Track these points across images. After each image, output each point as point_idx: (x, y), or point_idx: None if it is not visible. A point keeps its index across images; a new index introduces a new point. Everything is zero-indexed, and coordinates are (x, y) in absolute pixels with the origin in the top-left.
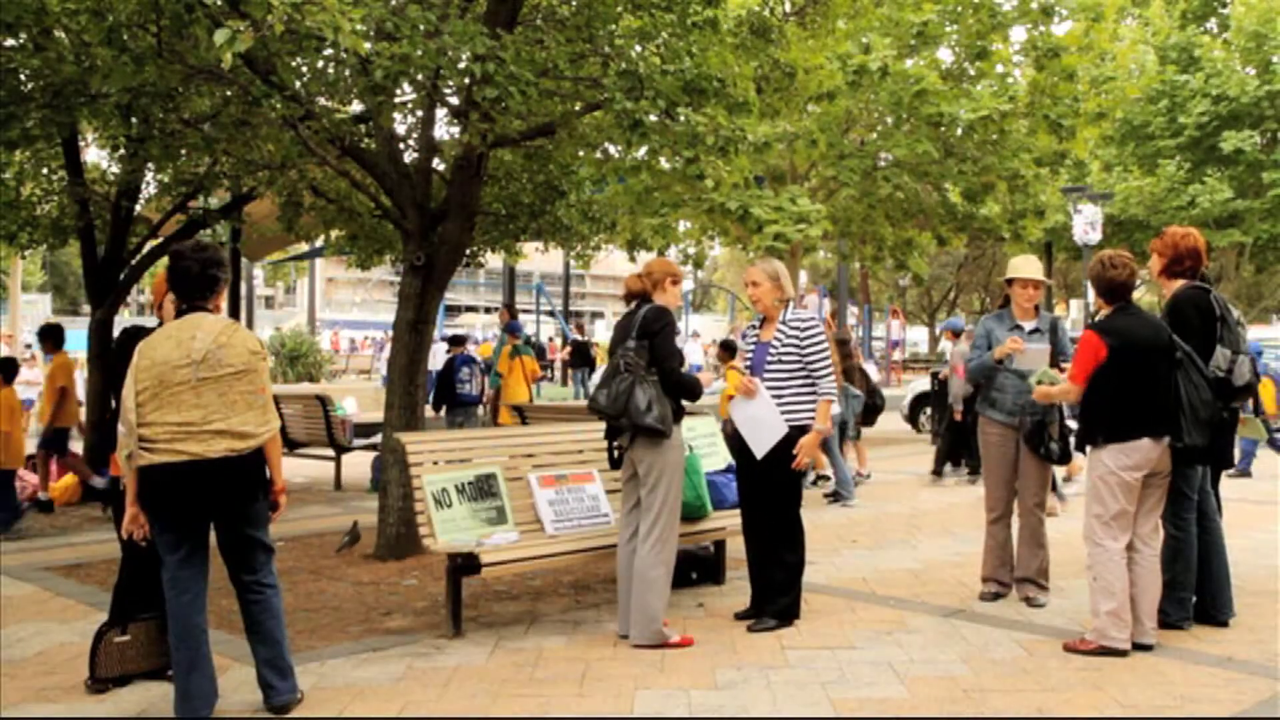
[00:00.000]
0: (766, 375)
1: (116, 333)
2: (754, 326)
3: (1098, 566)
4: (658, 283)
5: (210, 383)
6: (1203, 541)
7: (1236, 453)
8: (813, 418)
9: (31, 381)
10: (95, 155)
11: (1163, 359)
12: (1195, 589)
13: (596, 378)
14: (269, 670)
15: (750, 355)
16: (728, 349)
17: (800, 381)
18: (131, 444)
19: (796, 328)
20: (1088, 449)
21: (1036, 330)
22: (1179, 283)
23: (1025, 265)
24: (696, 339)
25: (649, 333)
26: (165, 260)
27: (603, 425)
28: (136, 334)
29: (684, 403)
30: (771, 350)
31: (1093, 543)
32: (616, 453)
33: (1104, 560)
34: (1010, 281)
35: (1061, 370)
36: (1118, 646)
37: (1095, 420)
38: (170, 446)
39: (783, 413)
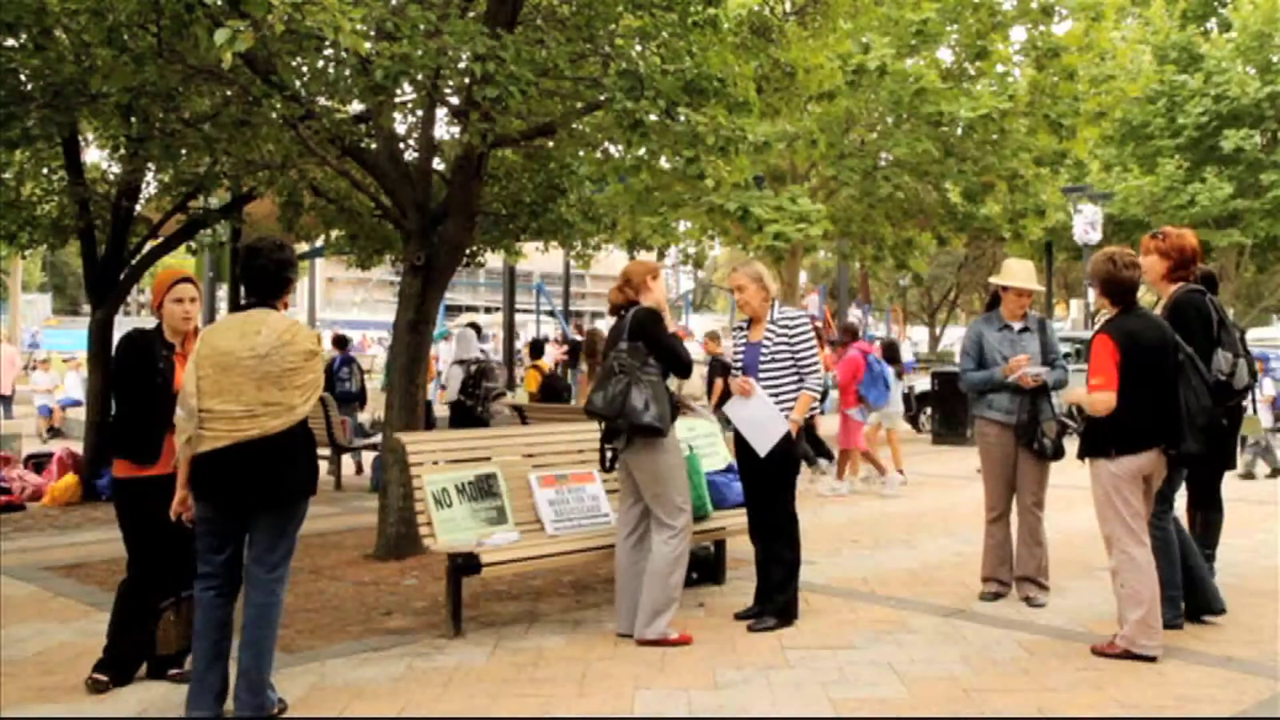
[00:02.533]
0: (761, 374)
1: (118, 334)
2: (741, 328)
3: (1124, 574)
4: (639, 287)
5: (272, 377)
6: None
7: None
8: (813, 412)
9: (41, 389)
10: (95, 155)
11: (1168, 362)
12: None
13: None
14: (241, 680)
15: (741, 356)
16: (713, 337)
17: (795, 377)
18: (191, 427)
19: (786, 325)
20: (1088, 460)
21: (1026, 330)
22: (1175, 285)
23: (1020, 271)
24: (692, 338)
25: (642, 333)
26: (165, 260)
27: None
28: (139, 338)
29: (684, 403)
30: (764, 349)
31: (1119, 550)
32: (610, 455)
33: (1131, 568)
34: (1004, 286)
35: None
36: (1147, 654)
37: (1104, 430)
38: (231, 430)
39: (782, 409)
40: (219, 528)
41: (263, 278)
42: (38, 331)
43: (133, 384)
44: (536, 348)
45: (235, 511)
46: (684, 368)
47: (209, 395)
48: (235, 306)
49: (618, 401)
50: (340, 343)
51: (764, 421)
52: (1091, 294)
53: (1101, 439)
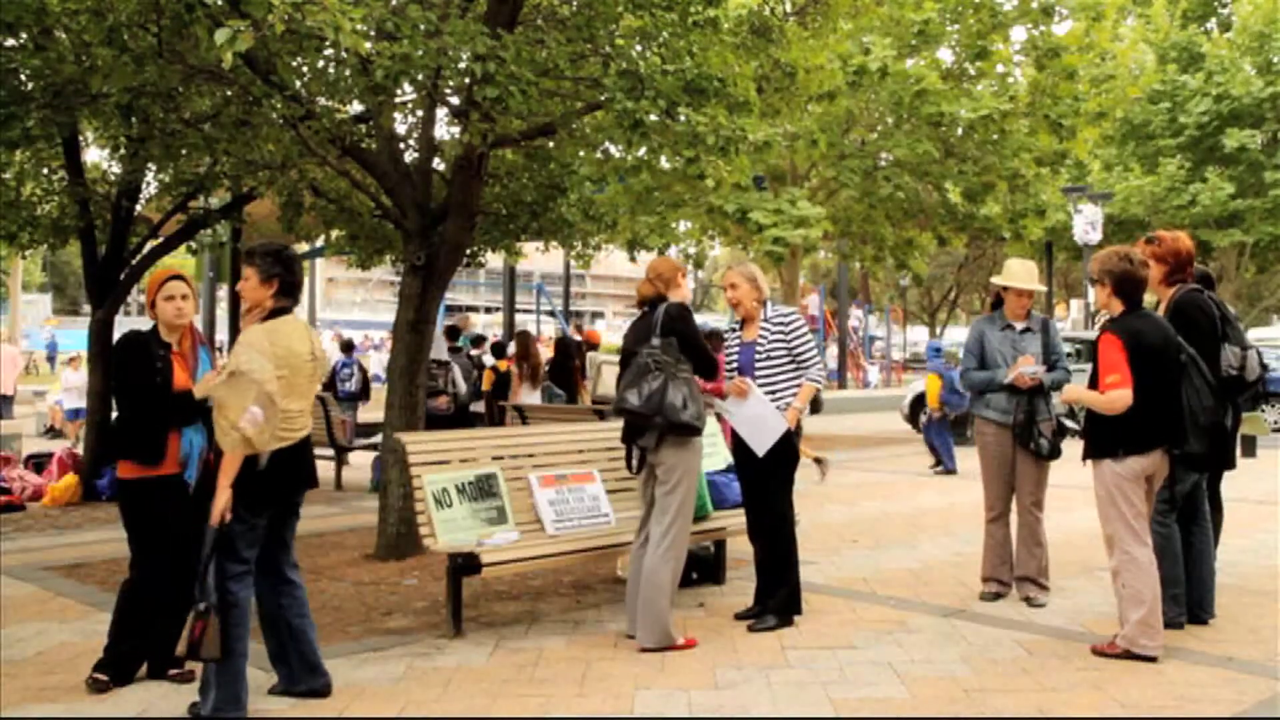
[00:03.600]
0: (757, 374)
1: (118, 334)
2: (734, 330)
3: (1126, 574)
4: (669, 281)
5: (316, 379)
6: (1195, 542)
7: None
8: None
9: (72, 386)
10: (95, 155)
11: (1172, 363)
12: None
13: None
14: (313, 656)
15: (736, 357)
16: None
17: (790, 375)
18: (274, 426)
19: (780, 323)
20: (1091, 460)
21: (1028, 330)
22: (1174, 287)
23: (1021, 272)
24: None
25: (675, 330)
26: (165, 261)
27: (603, 425)
28: (134, 340)
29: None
30: (759, 349)
31: (1120, 550)
32: (638, 454)
33: (1133, 568)
34: (1005, 286)
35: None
36: (1147, 654)
37: (1111, 431)
38: (292, 430)
39: (778, 407)
40: (260, 526)
41: (298, 285)
42: (49, 332)
43: (134, 386)
44: (496, 349)
45: (280, 508)
46: (711, 367)
47: (283, 396)
48: (235, 306)
49: (655, 399)
50: (347, 347)
51: (761, 421)
52: (1092, 294)
53: (1108, 439)
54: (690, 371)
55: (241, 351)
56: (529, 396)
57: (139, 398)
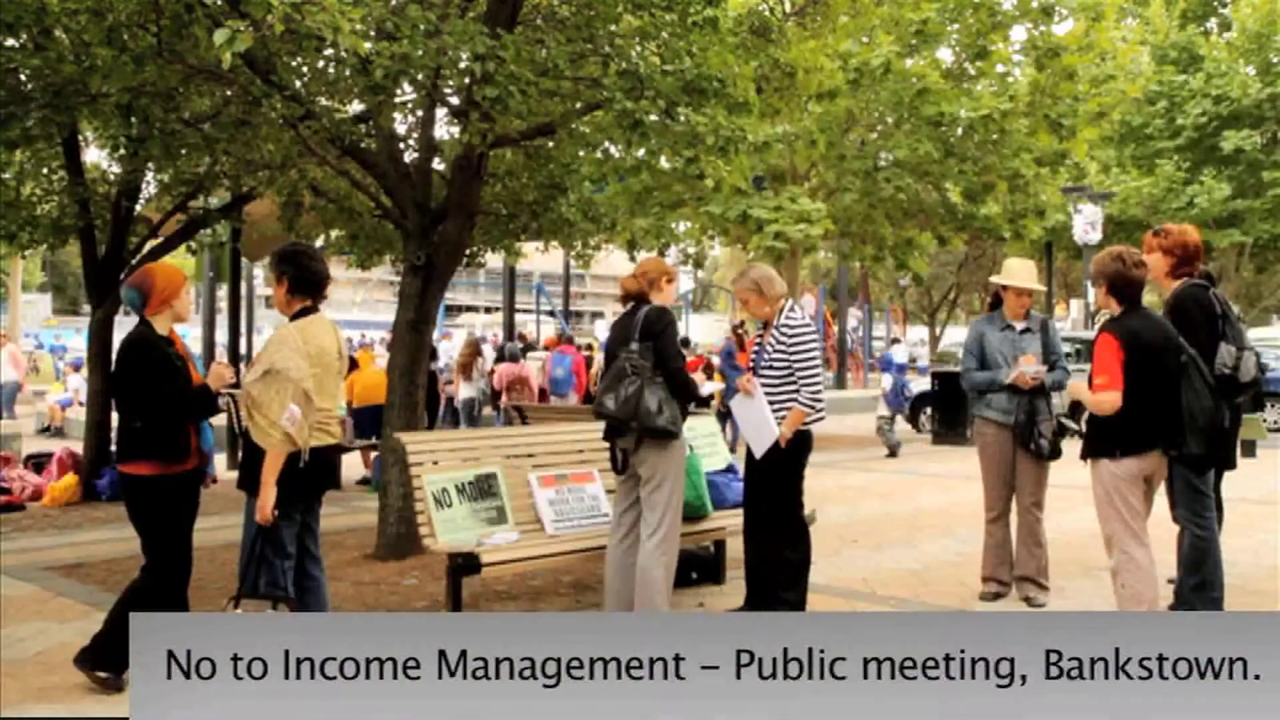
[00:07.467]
0: (761, 379)
1: (118, 333)
2: (761, 329)
3: (1125, 574)
4: (653, 282)
5: (344, 376)
6: None
7: None
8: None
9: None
10: (95, 155)
11: (1171, 364)
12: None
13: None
14: None
15: (754, 359)
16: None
17: (790, 387)
18: (312, 423)
19: (786, 333)
20: (1089, 460)
21: (1028, 330)
22: (1178, 281)
23: (1021, 271)
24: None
25: (652, 334)
26: (165, 261)
27: (602, 425)
28: (143, 342)
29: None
30: (764, 354)
31: (1120, 551)
32: (620, 455)
33: (1131, 568)
34: (1004, 285)
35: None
36: None
37: (1108, 430)
38: (326, 428)
39: (777, 416)
40: (297, 520)
41: (319, 281)
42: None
43: (160, 386)
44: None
45: (310, 505)
46: (681, 388)
47: (317, 394)
48: (235, 306)
49: (631, 404)
50: None
51: (759, 424)
52: (1092, 294)
53: (1105, 439)
54: None
55: (275, 349)
56: None
57: (165, 398)
